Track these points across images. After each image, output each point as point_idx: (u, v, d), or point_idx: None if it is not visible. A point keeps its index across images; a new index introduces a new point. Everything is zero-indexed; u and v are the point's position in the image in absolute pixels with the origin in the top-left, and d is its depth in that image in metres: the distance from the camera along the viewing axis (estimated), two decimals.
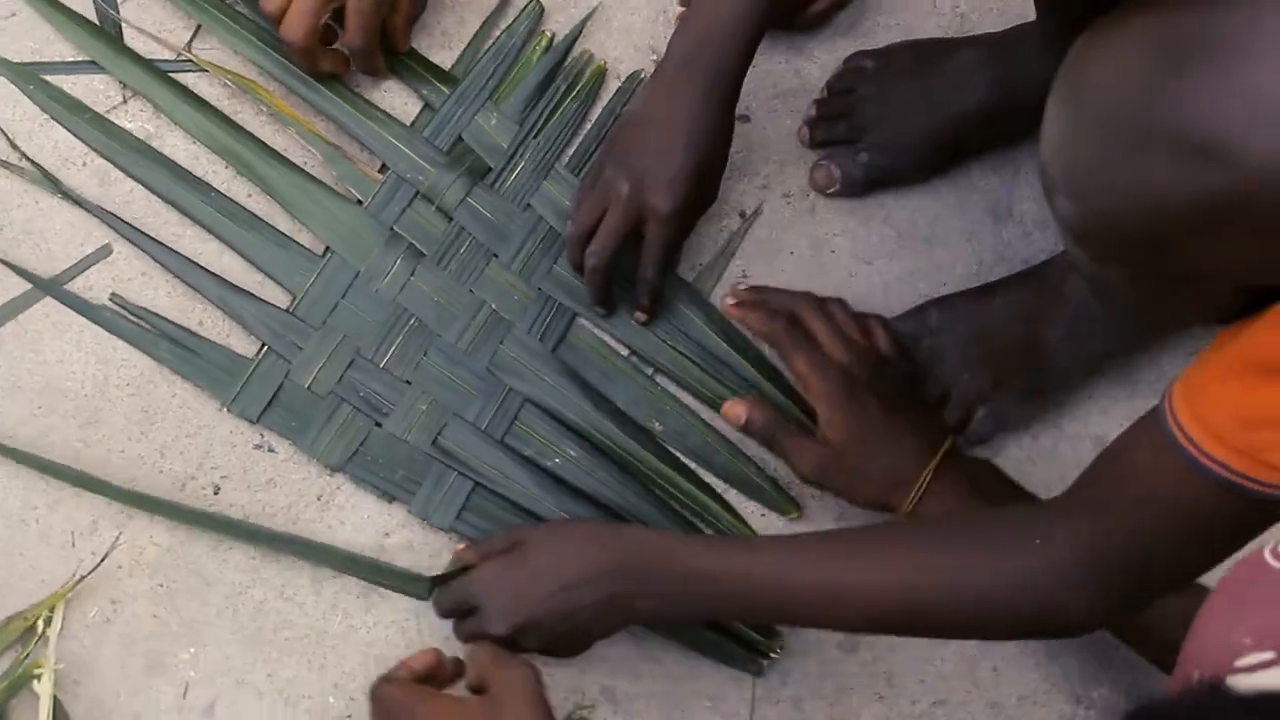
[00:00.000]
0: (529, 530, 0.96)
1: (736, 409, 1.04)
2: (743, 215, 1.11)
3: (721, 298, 1.07)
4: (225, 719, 0.99)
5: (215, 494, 1.03)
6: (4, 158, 1.08)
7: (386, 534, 1.03)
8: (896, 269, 1.11)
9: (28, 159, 1.08)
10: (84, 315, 1.05)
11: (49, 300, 1.06)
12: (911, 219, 1.12)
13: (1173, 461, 0.70)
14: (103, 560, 1.00)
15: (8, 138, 1.08)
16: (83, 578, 0.99)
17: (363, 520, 1.03)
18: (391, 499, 1.03)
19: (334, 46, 1.09)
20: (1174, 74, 0.58)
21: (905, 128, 1.09)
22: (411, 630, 1.01)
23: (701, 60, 0.94)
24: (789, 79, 1.14)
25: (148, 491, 1.01)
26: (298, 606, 1.01)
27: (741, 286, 1.07)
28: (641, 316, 1.06)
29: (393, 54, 1.11)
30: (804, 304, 1.04)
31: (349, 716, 0.99)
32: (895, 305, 1.08)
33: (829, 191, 1.10)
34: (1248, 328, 0.66)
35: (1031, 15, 1.02)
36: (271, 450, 1.04)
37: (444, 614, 0.97)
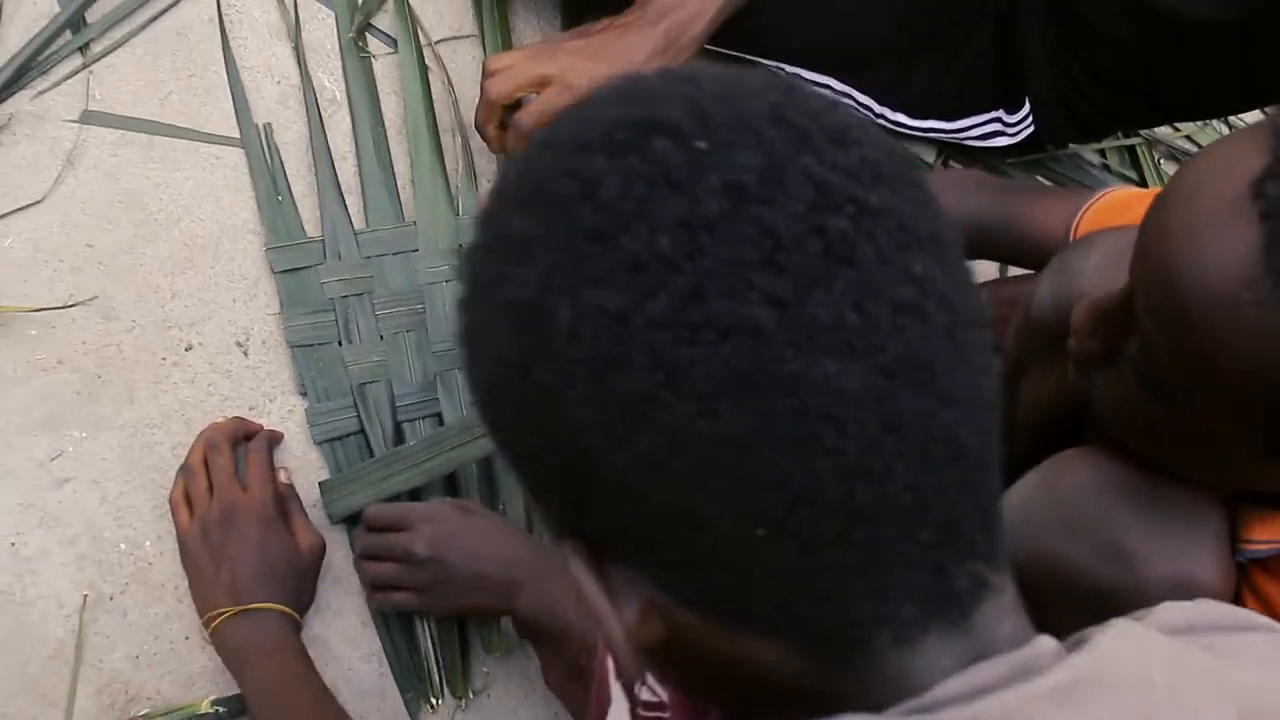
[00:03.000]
0: (482, 508, 1.18)
1: None
2: None
3: None
4: (69, 503, 1.16)
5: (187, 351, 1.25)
6: None
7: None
8: None
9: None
10: None
11: None
12: None
13: None
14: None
15: None
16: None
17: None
18: (303, 392, 1.25)
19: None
20: (1119, 516, 0.82)
21: None
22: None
23: None
24: None
25: None
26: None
27: None
28: None
29: None
30: None
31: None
32: None
33: None
34: None
35: None
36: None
37: (370, 520, 1.16)
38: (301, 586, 1.13)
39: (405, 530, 1.13)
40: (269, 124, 1.32)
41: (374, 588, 1.16)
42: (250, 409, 1.24)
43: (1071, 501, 0.83)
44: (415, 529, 1.13)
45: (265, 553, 1.10)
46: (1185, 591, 0.77)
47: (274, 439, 1.21)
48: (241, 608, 1.07)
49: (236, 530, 1.10)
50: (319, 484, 1.21)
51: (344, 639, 1.19)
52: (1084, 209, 1.04)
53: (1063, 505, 0.84)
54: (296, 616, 1.11)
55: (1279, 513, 0.79)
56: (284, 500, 1.16)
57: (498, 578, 1.10)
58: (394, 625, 1.19)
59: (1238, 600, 0.82)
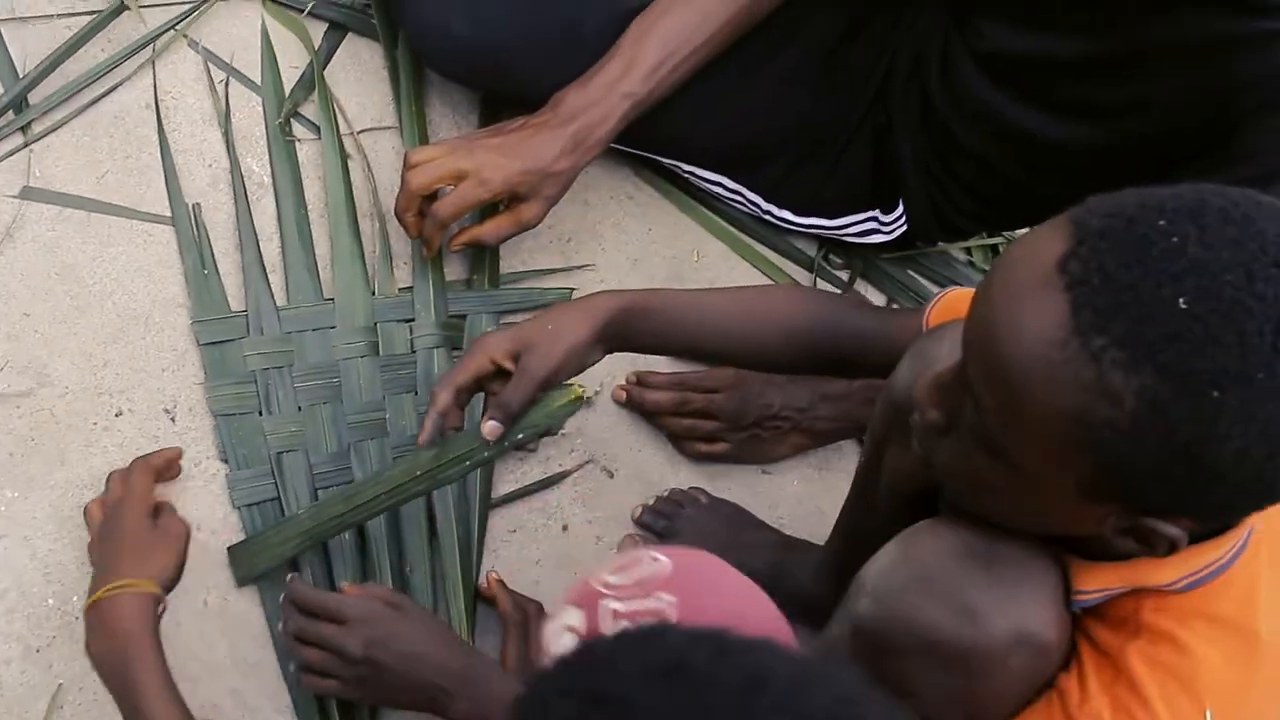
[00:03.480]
0: (414, 605, 1.23)
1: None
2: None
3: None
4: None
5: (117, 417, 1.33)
6: None
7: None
8: None
9: None
10: None
11: None
12: None
13: None
14: None
15: None
16: None
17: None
18: (225, 459, 1.34)
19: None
20: (965, 576, 0.91)
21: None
22: None
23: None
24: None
25: None
26: None
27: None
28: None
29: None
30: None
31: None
32: None
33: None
34: None
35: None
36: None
37: (302, 603, 1.19)
38: (166, 564, 1.20)
39: (341, 624, 1.17)
40: (199, 204, 1.42)
41: (305, 669, 1.20)
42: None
43: (924, 566, 0.93)
44: (351, 626, 1.16)
45: (136, 536, 1.19)
46: (1025, 644, 0.89)
47: (170, 456, 1.29)
48: (109, 587, 1.14)
49: (116, 522, 1.20)
50: (227, 549, 1.30)
51: (261, 693, 1.28)
52: (932, 305, 1.17)
53: (917, 570, 0.94)
54: (160, 591, 1.17)
55: (1102, 563, 0.90)
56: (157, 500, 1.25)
57: (431, 684, 1.16)
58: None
59: (1073, 648, 0.92)
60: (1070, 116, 1.40)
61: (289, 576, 1.25)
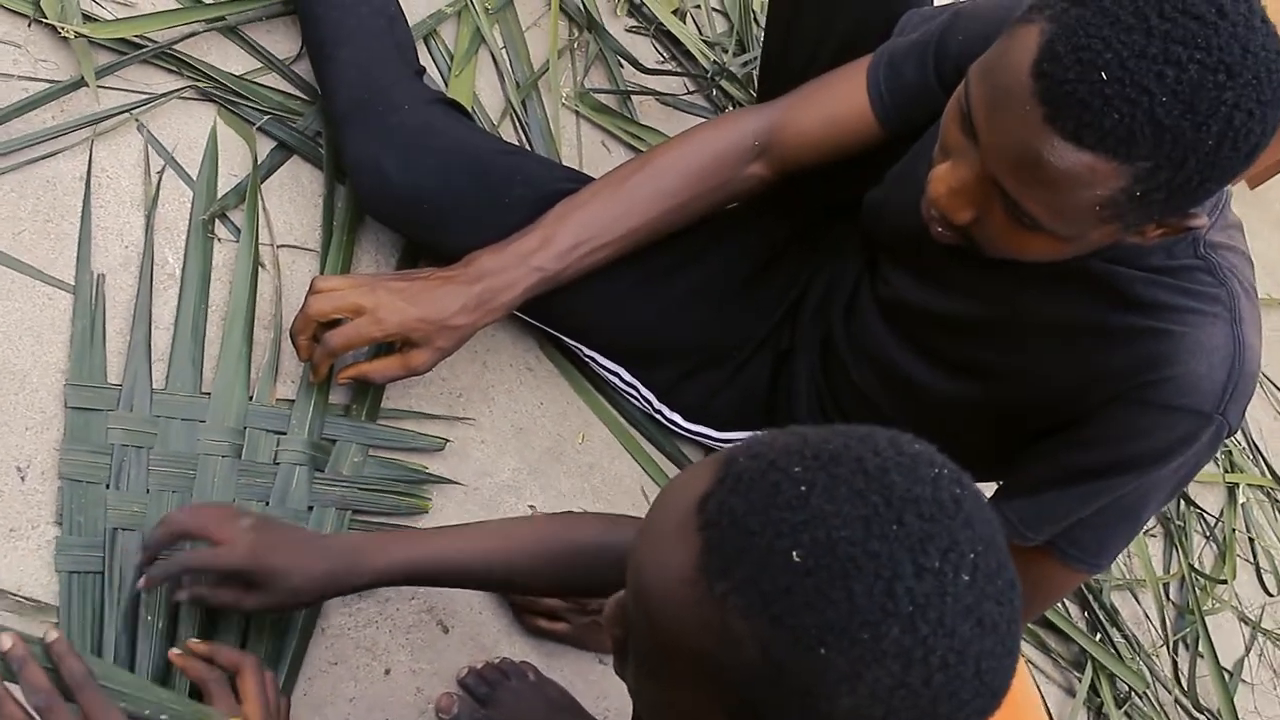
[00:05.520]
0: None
1: None
2: None
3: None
4: None
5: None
6: None
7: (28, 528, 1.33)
8: None
9: None
10: None
11: None
12: None
13: None
14: None
15: None
16: None
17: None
18: (59, 521, 1.33)
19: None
20: None
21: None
22: None
23: None
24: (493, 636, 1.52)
25: None
26: None
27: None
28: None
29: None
30: None
31: None
32: None
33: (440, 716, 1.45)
34: None
35: None
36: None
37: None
38: None
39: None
40: (104, 275, 1.44)
41: None
42: (11, 530, 1.31)
43: None
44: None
45: None
46: None
47: None
48: None
49: None
50: None
51: None
52: None
53: None
54: None
55: None
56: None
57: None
58: None
59: None
60: (956, 373, 1.45)
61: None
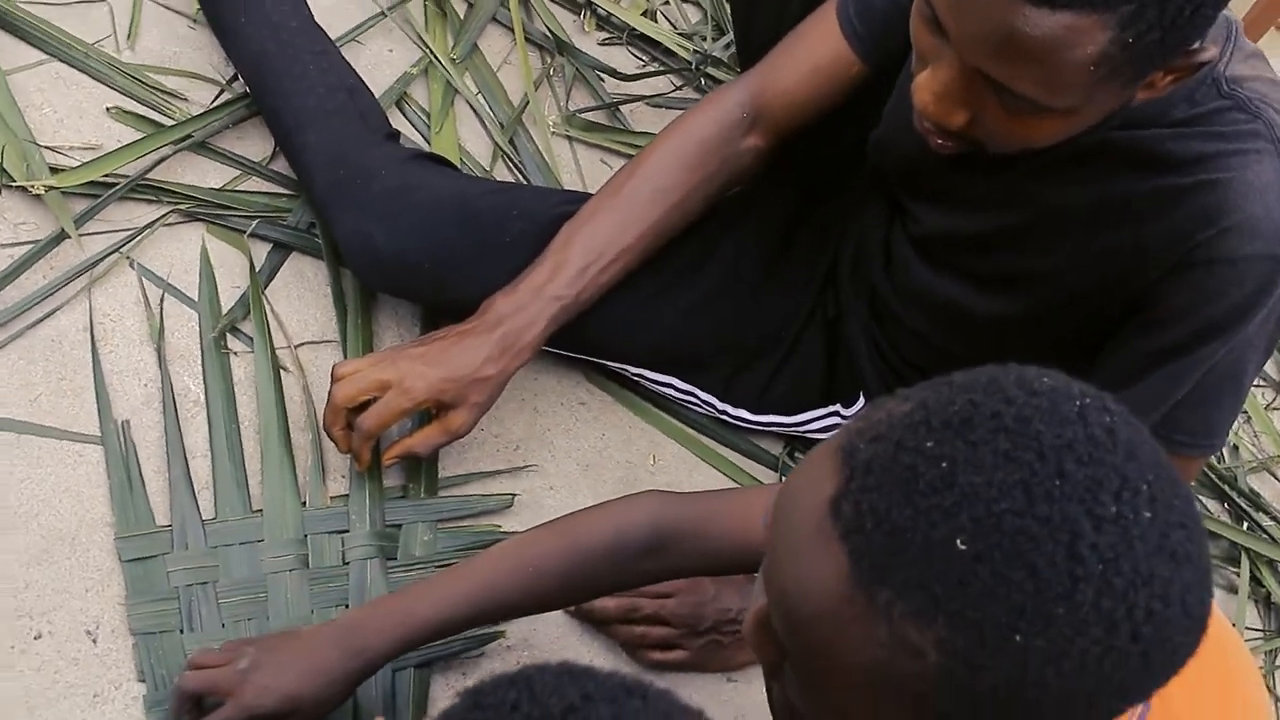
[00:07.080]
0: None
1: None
2: None
3: None
4: None
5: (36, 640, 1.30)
6: None
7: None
8: None
9: None
10: None
11: None
12: None
13: None
14: None
15: None
16: None
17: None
18: (143, 679, 1.29)
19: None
20: None
21: None
22: None
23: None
24: None
25: None
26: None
27: None
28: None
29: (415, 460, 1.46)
30: None
31: None
32: None
33: None
34: None
35: None
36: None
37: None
38: None
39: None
40: (128, 421, 1.41)
41: None
42: (95, 695, 1.27)
43: None
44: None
45: None
46: None
47: None
48: None
49: None
50: None
51: None
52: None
53: None
54: None
55: None
56: None
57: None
58: None
59: None
60: (1005, 290, 1.37)
61: None
